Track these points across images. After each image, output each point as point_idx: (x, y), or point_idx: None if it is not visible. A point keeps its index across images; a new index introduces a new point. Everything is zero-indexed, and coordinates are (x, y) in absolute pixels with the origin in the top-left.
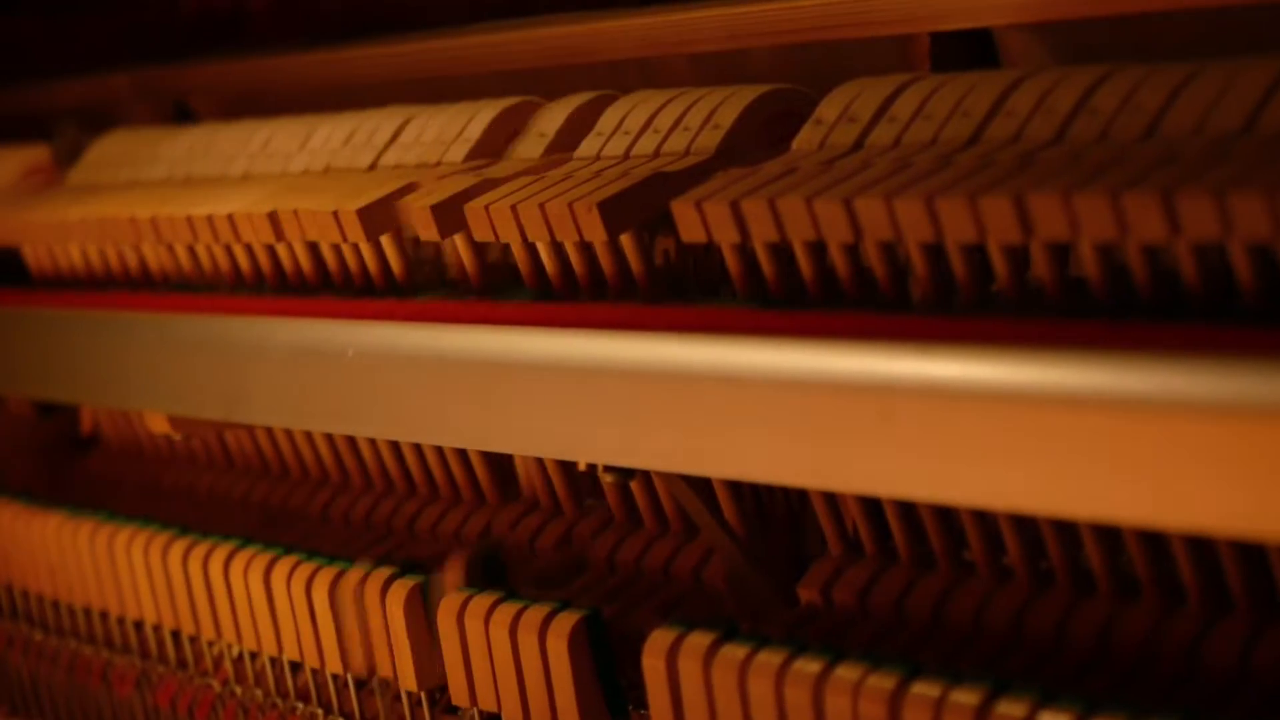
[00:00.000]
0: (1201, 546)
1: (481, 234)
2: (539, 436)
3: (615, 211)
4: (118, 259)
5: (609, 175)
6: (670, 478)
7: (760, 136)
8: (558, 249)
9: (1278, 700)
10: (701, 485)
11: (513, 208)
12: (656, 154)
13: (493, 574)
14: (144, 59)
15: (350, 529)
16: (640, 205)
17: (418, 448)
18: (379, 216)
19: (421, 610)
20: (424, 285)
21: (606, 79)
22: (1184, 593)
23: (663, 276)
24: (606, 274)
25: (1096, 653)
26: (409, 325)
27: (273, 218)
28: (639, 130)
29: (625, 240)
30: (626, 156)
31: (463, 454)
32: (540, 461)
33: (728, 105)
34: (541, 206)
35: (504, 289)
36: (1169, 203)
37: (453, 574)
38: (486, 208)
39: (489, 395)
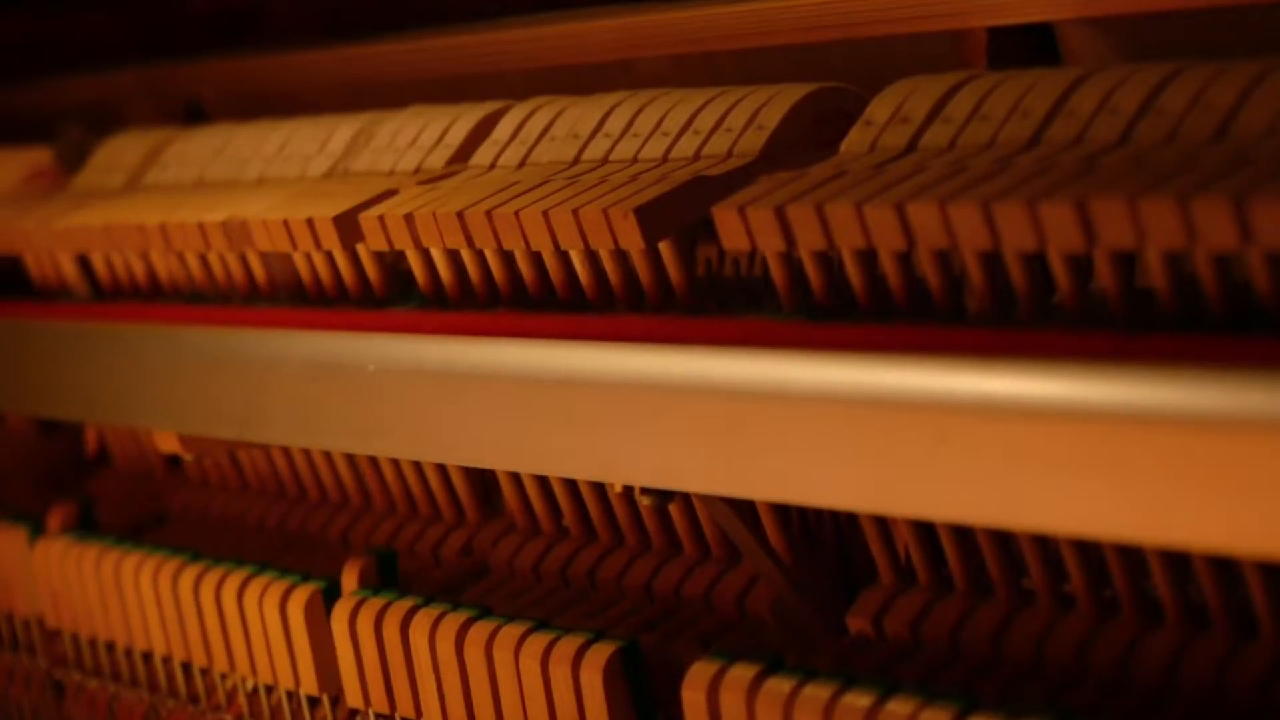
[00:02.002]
0: (1277, 576)
1: (510, 242)
2: (572, 457)
3: (653, 217)
4: (125, 268)
5: (646, 179)
6: (712, 500)
7: (807, 138)
8: (592, 257)
9: None
10: (745, 508)
11: (544, 213)
12: (697, 156)
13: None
14: (153, 56)
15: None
16: (680, 211)
17: (442, 469)
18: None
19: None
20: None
21: (641, 77)
22: (1257, 624)
23: (703, 287)
24: (644, 284)
25: (1164, 687)
26: (434, 339)
27: (288, 224)
28: (678, 131)
29: (664, 248)
30: (665, 159)
31: (487, 475)
32: (572, 484)
33: (773, 105)
34: (575, 212)
35: (533, 300)
36: (1240, 209)
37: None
38: (517, 214)
39: (518, 413)
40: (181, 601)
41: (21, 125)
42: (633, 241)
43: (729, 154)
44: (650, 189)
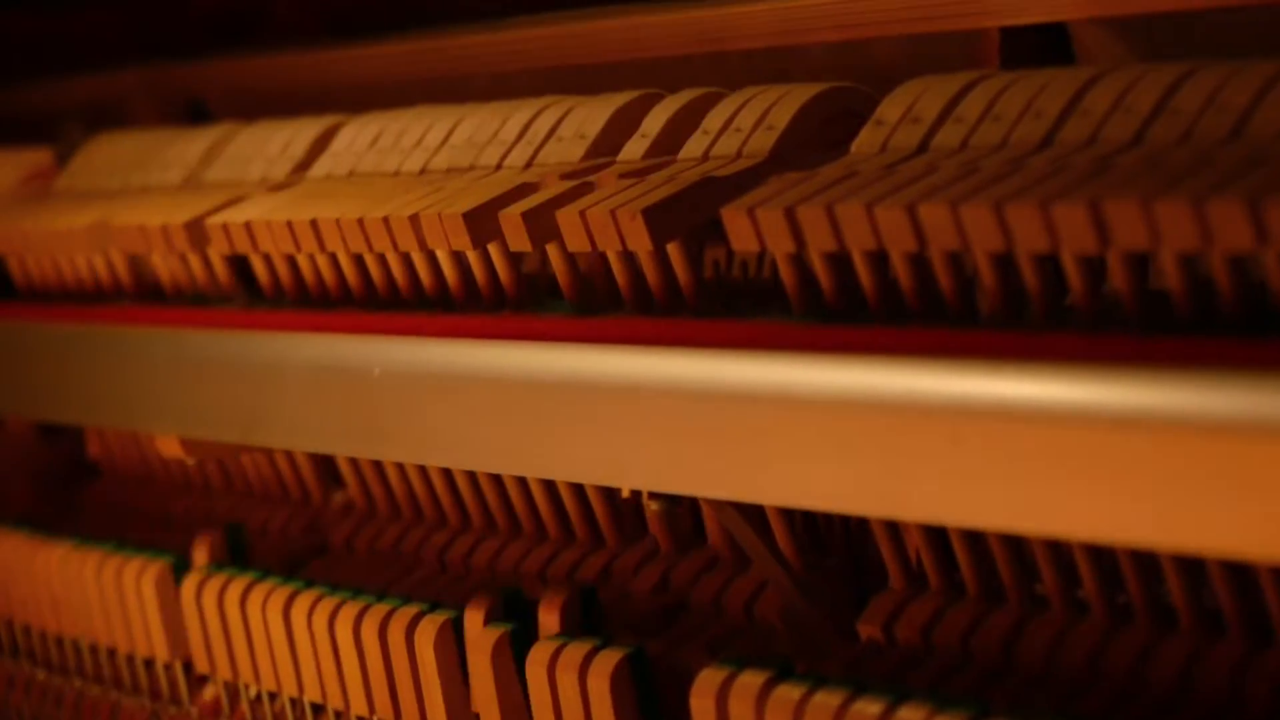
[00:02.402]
0: None
1: (517, 243)
2: (579, 461)
3: (661, 219)
4: (126, 269)
5: (654, 180)
6: (720, 506)
7: (817, 138)
8: (600, 259)
9: None
10: (754, 513)
11: (553, 215)
12: (705, 157)
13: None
14: (155, 55)
15: (376, 560)
16: (688, 212)
17: (447, 473)
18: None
19: (454, 649)
20: (452, 297)
21: (650, 77)
22: (1273, 630)
23: (712, 289)
24: (652, 286)
25: (1178, 694)
26: (439, 341)
27: (292, 226)
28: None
29: (672, 250)
30: (674, 160)
31: (496, 479)
32: (580, 489)
33: (782, 105)
34: (582, 213)
35: (542, 302)
36: (1256, 210)
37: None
38: (523, 215)
39: (525, 417)
40: (184, 607)
41: (21, 125)
42: (640, 243)
43: (738, 154)
44: (658, 190)
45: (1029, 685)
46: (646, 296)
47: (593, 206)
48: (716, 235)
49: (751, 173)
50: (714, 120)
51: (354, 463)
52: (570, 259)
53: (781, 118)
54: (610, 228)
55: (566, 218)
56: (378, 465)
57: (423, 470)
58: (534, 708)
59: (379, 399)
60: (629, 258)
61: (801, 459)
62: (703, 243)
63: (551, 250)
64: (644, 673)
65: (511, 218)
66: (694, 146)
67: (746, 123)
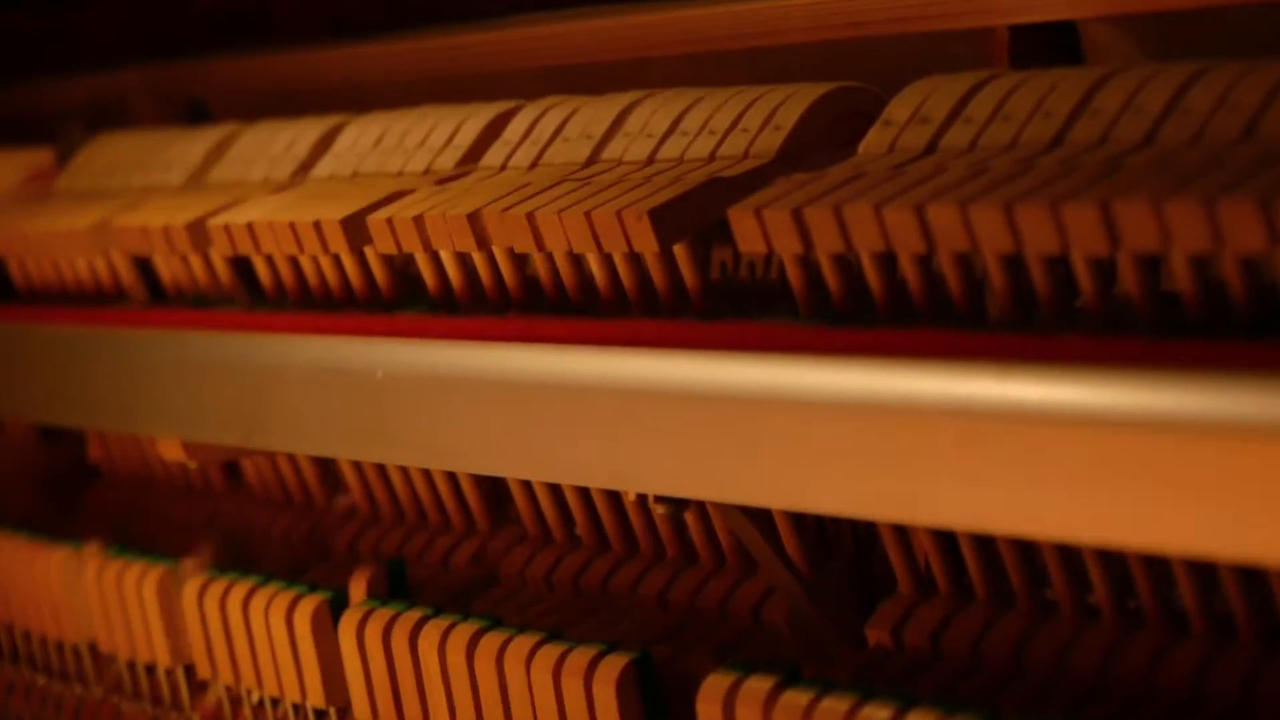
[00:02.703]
0: None
1: (522, 244)
2: (585, 465)
3: (668, 220)
4: (127, 271)
5: (661, 180)
6: (727, 509)
7: (825, 139)
8: (605, 260)
9: None
10: (761, 517)
11: (557, 215)
12: (712, 157)
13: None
14: (156, 54)
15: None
16: (695, 213)
17: (452, 476)
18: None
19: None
20: (457, 300)
21: (655, 76)
22: None
23: (719, 291)
24: (658, 288)
25: (1190, 700)
26: (444, 344)
27: (294, 227)
28: (694, 132)
29: (679, 251)
30: (680, 160)
31: (500, 482)
32: (585, 493)
33: (789, 105)
34: (588, 214)
35: (546, 304)
36: (1268, 210)
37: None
38: (529, 216)
39: (531, 420)
40: (185, 612)
41: (21, 125)
42: (647, 244)
43: (745, 155)
44: (665, 191)
45: (1039, 691)
46: (653, 298)
47: (599, 207)
48: (724, 236)
49: (759, 173)
50: (721, 120)
51: (357, 467)
52: (576, 260)
53: (789, 118)
54: (616, 228)
55: (571, 219)
56: (381, 469)
57: (427, 473)
58: (539, 715)
59: (383, 402)
60: (635, 259)
61: (809, 462)
62: (710, 244)
63: (556, 252)
64: (650, 678)
65: (515, 218)
66: (701, 146)
67: (754, 123)
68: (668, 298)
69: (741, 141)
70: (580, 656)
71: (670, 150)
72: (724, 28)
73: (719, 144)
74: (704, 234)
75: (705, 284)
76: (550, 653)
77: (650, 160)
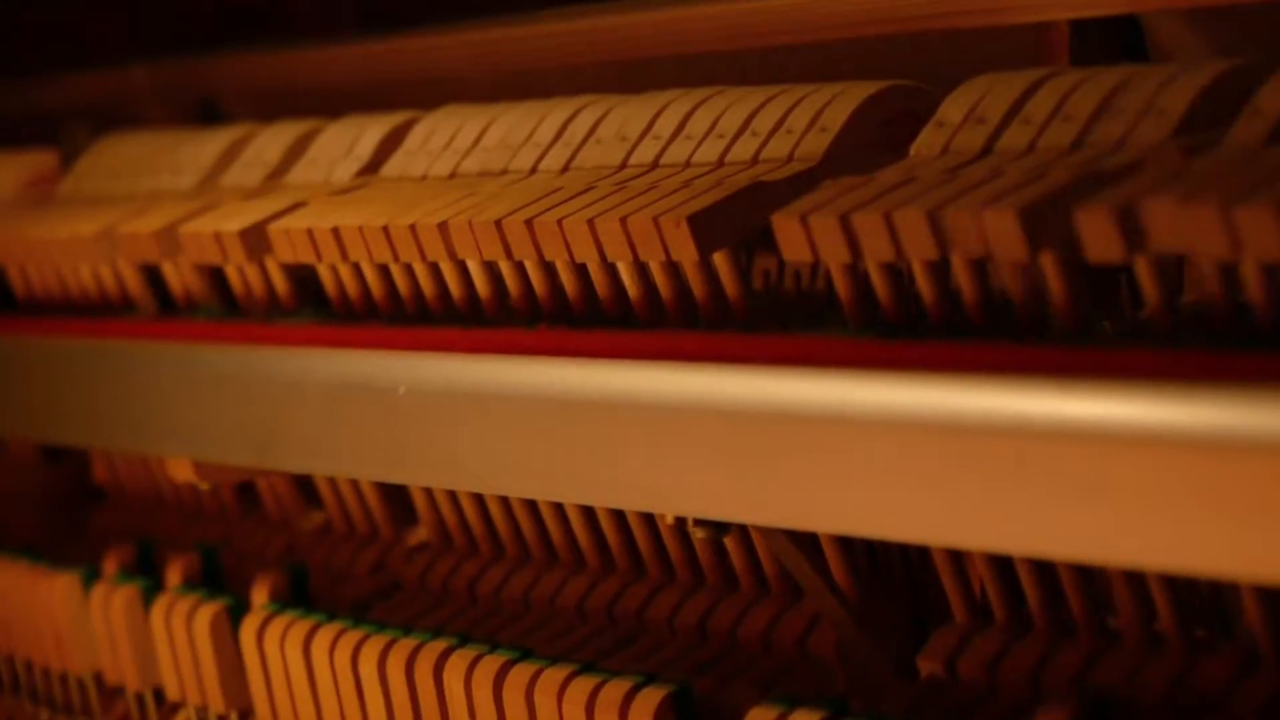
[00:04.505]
0: None
1: (552, 252)
2: (620, 486)
3: (708, 227)
4: (135, 280)
5: (700, 185)
6: (771, 533)
7: (874, 140)
8: (641, 270)
9: None
10: (807, 542)
11: (590, 222)
12: (755, 161)
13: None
14: (166, 51)
15: (403, 591)
16: (736, 220)
17: (478, 498)
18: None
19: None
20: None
21: (694, 74)
22: None
23: (762, 302)
24: (697, 299)
25: None
26: (470, 358)
27: (313, 234)
28: (734, 133)
29: (719, 260)
30: (720, 164)
31: (530, 505)
32: (620, 516)
33: (836, 105)
34: (623, 221)
35: (578, 316)
36: None
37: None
38: (559, 222)
39: (562, 439)
40: (197, 642)
41: (23, 126)
42: (686, 253)
43: (790, 158)
44: (704, 196)
45: None
46: (692, 309)
47: (635, 213)
48: (767, 244)
49: (804, 177)
50: (764, 121)
51: (349, 484)
52: (611, 269)
53: (836, 119)
54: (654, 236)
55: (606, 225)
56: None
57: (453, 496)
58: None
59: (404, 419)
60: (673, 268)
61: (859, 483)
62: (752, 252)
63: (589, 261)
64: (689, 711)
65: (547, 225)
66: (742, 149)
67: (799, 124)
68: (708, 309)
69: (786, 144)
70: (615, 690)
71: (710, 153)
72: (770, 23)
73: (762, 146)
74: (746, 242)
75: (748, 295)
76: (583, 685)
77: (688, 164)
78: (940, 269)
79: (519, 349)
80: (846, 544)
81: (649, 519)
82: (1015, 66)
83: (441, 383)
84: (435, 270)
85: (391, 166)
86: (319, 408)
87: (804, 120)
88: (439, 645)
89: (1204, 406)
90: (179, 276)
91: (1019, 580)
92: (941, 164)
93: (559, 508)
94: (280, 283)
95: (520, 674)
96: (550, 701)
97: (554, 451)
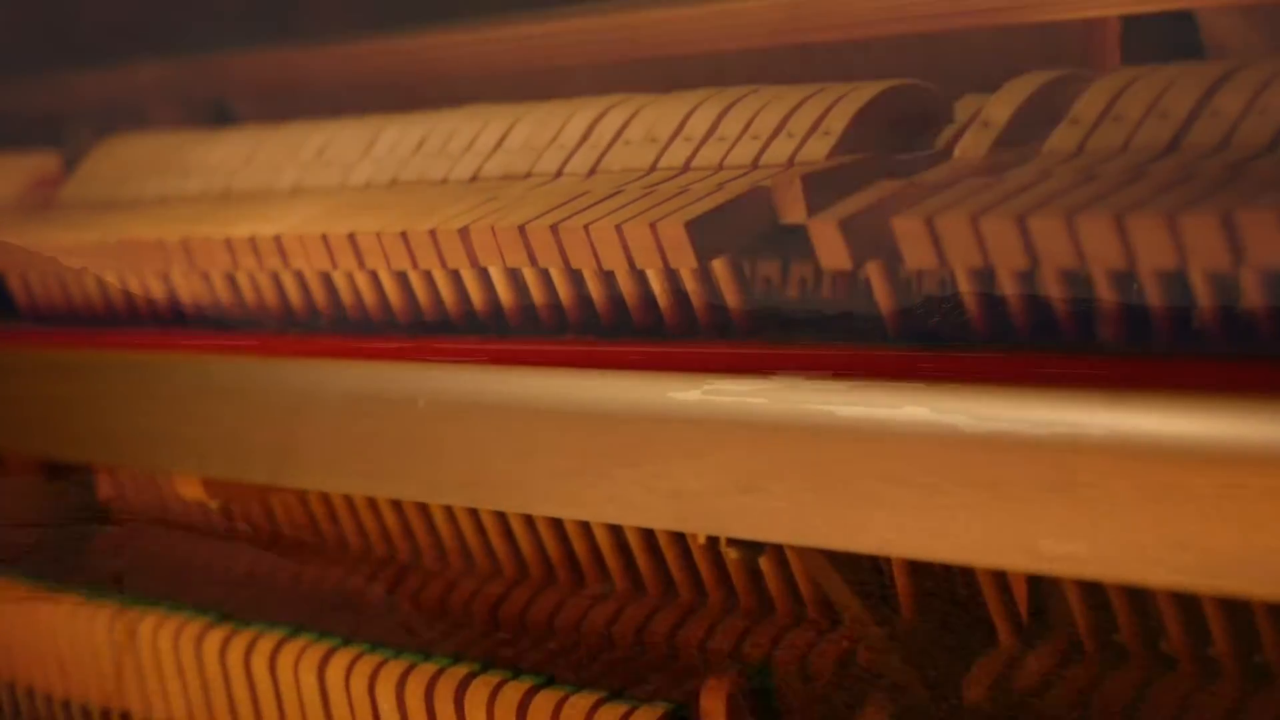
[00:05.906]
0: None
1: (579, 260)
2: (649, 505)
3: (706, 232)
4: (141, 289)
5: (699, 190)
6: (808, 554)
7: (883, 142)
8: (672, 278)
9: None
10: (846, 563)
11: (618, 228)
12: (755, 165)
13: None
14: (175, 49)
15: (421, 615)
16: (736, 225)
17: (502, 517)
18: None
19: None
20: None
21: (710, 74)
22: None
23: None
24: (730, 308)
25: None
26: (492, 369)
27: (327, 240)
28: (769, 135)
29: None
30: (755, 166)
31: (556, 524)
32: (650, 535)
33: (841, 107)
34: (652, 226)
35: (605, 326)
36: None
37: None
38: (586, 228)
39: (588, 454)
40: (206, 667)
41: (24, 126)
42: (685, 259)
43: (790, 162)
44: (703, 201)
45: None
46: (725, 318)
47: (665, 218)
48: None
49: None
50: (764, 122)
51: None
52: (640, 276)
53: (839, 121)
54: (684, 242)
55: (634, 231)
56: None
57: (475, 515)
58: None
59: (424, 434)
60: (706, 276)
61: (900, 501)
62: (789, 260)
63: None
64: None
65: (573, 230)
66: (778, 150)
67: (800, 127)
68: (739, 318)
69: (787, 147)
70: (611, 712)
71: (744, 155)
72: (807, 18)
73: (762, 150)
74: (747, 248)
75: (775, 304)
76: (610, 714)
77: (721, 166)
78: (985, 276)
79: (544, 360)
80: (886, 565)
81: (680, 539)
82: (1062, 65)
83: (463, 395)
84: (456, 278)
85: (409, 169)
86: (335, 422)
87: (806, 124)
88: (459, 671)
89: (1267, 421)
90: (188, 285)
91: (1068, 602)
92: (985, 165)
93: (585, 526)
94: (294, 291)
95: (545, 700)
96: None
97: (580, 467)
